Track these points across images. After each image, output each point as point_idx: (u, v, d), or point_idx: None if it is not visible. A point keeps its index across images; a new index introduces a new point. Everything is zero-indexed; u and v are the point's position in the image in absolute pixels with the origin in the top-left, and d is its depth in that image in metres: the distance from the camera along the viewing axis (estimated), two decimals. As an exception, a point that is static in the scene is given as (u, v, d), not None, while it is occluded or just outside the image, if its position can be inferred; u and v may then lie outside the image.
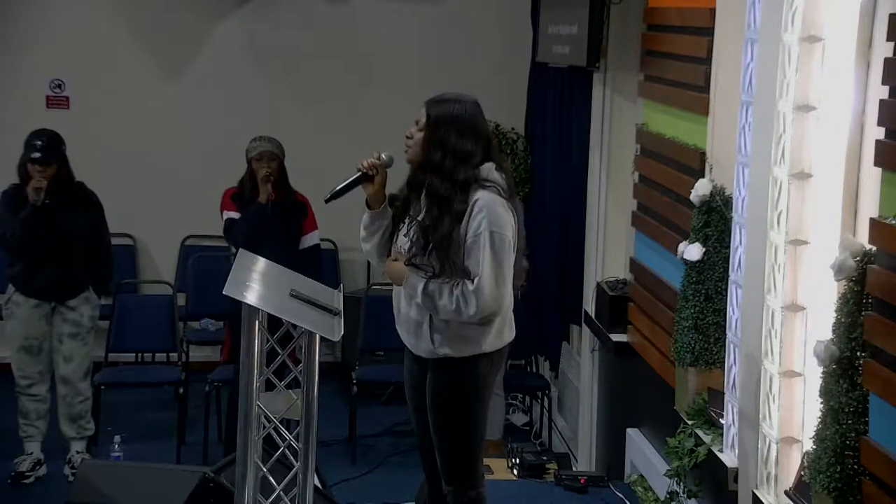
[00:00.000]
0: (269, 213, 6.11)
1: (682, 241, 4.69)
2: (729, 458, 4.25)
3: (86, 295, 6.23)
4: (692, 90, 4.81)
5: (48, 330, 6.21)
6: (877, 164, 3.18)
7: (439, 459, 4.22)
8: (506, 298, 4.02)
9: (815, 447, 3.33)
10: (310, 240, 6.31)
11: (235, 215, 6.16)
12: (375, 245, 4.21)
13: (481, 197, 3.96)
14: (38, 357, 6.21)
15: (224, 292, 3.14)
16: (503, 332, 4.13)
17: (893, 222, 3.05)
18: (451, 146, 3.98)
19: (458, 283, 3.95)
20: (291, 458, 3.26)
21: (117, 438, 5.95)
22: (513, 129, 7.92)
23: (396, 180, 4.22)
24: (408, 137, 4.07)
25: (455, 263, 3.96)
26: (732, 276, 4.24)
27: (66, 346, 6.21)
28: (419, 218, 4.05)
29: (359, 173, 4.11)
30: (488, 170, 4.02)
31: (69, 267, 6.13)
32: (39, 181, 5.93)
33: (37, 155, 5.95)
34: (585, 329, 6.48)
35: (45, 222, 5.98)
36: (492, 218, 3.94)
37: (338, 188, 4.10)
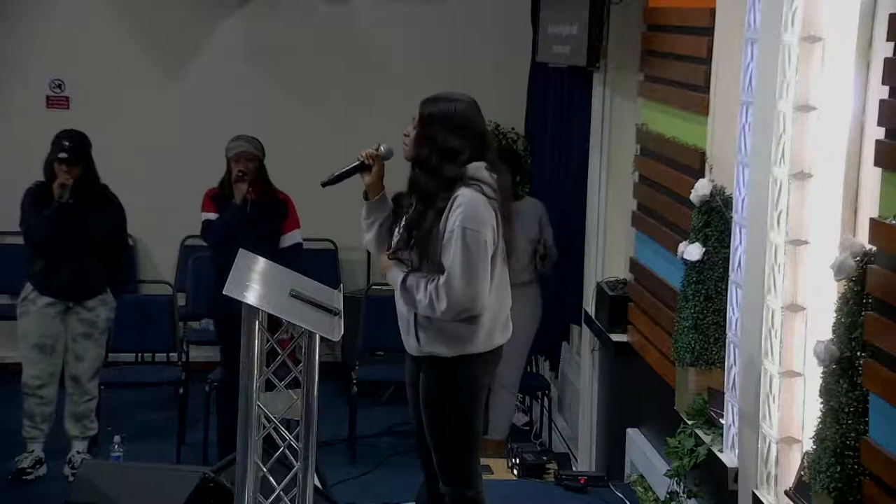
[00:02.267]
0: (246, 212, 6.08)
1: (682, 241, 4.69)
2: (729, 458, 4.25)
3: (103, 297, 6.25)
4: (692, 90, 4.81)
5: (62, 330, 6.22)
6: (877, 164, 3.18)
7: (435, 459, 4.23)
8: (480, 297, 3.99)
9: (815, 447, 3.33)
10: (290, 239, 6.25)
11: (213, 216, 6.13)
12: (374, 237, 4.26)
13: (462, 194, 3.99)
14: (50, 357, 6.22)
15: (224, 292, 3.14)
16: (494, 334, 4.13)
17: (893, 222, 3.05)
18: (439, 143, 4.03)
19: (432, 279, 3.98)
20: (291, 458, 3.26)
21: (117, 438, 5.95)
22: (513, 129, 7.92)
23: (396, 179, 4.23)
24: (405, 136, 4.14)
25: (432, 259, 4.00)
26: (732, 276, 4.24)
27: (80, 346, 6.23)
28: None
29: (357, 162, 4.20)
30: (476, 168, 4.04)
31: (89, 267, 6.14)
32: (66, 178, 5.96)
33: (63, 155, 5.99)
34: (585, 329, 6.48)
35: (69, 222, 6.01)
36: (468, 214, 3.95)
37: (335, 174, 4.20)
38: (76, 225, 6.03)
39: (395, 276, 4.08)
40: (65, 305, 6.19)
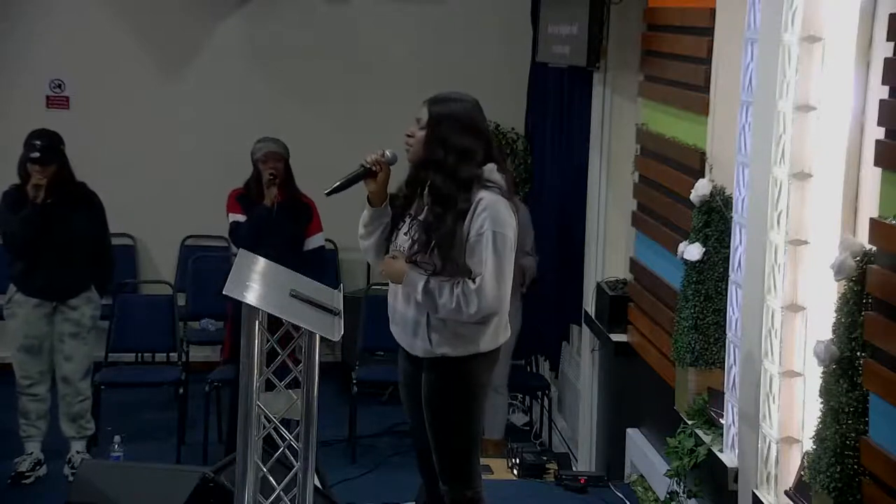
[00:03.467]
0: (273, 215, 6.11)
1: (682, 241, 4.69)
2: (729, 458, 4.25)
3: (87, 294, 6.24)
4: (692, 90, 4.81)
5: (49, 330, 6.21)
6: (877, 164, 3.18)
7: (436, 459, 4.22)
8: (507, 298, 4.03)
9: (815, 447, 3.33)
10: (314, 242, 6.31)
11: (241, 218, 6.16)
12: (374, 243, 4.22)
13: (485, 197, 3.97)
14: (38, 357, 6.22)
15: (224, 292, 3.14)
16: (498, 333, 4.13)
17: (893, 222, 3.05)
18: (453, 144, 3.99)
19: (458, 282, 3.95)
20: (291, 458, 3.25)
21: (117, 438, 5.95)
22: (513, 129, 7.92)
23: (398, 179, 4.22)
24: (409, 136, 4.08)
25: (457, 262, 3.97)
26: (732, 276, 4.25)
27: (67, 346, 6.21)
28: (421, 216, 4.06)
29: (362, 168, 4.11)
30: (490, 170, 4.04)
31: (70, 267, 6.13)
32: (39, 179, 5.96)
33: (36, 155, 5.98)
34: (585, 329, 6.48)
35: (46, 222, 5.99)
36: (495, 218, 3.95)
37: (340, 182, 4.09)
38: (54, 225, 6.02)
39: (415, 279, 4.00)
40: (51, 306, 6.18)
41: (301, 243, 6.24)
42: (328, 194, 4.12)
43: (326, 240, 8.05)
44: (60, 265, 6.10)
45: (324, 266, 6.30)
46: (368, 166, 4.10)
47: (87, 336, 6.28)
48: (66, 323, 6.20)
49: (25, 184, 6.02)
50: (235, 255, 6.05)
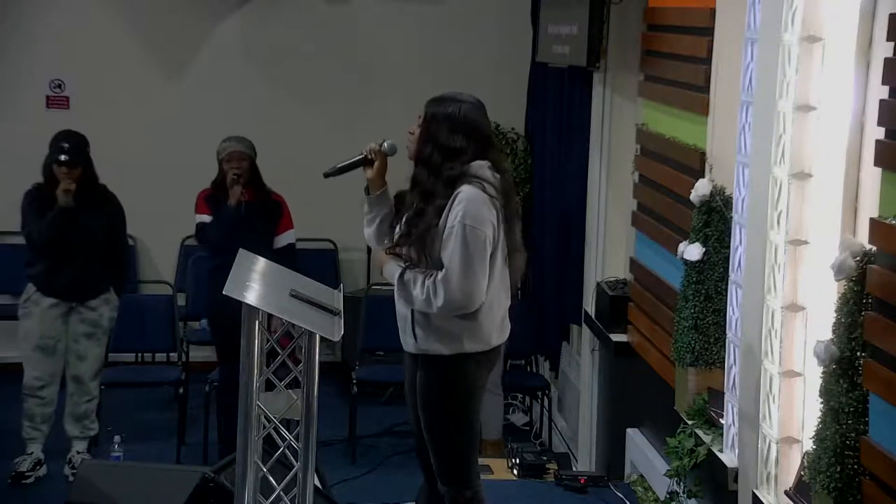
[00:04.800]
0: (241, 214, 6.09)
1: (682, 241, 4.69)
2: (729, 458, 4.25)
3: (106, 296, 6.25)
4: (692, 90, 4.81)
5: (64, 330, 6.21)
6: (877, 164, 3.18)
7: (433, 458, 4.23)
8: (477, 294, 3.98)
9: (815, 447, 3.33)
10: (284, 239, 6.28)
11: (207, 218, 6.15)
12: (374, 232, 4.28)
13: (463, 191, 4.00)
14: (52, 357, 6.21)
15: (224, 292, 3.14)
16: (490, 335, 4.11)
17: (893, 222, 3.05)
18: (441, 142, 4.05)
19: (430, 274, 3.99)
20: (291, 458, 3.25)
21: (117, 438, 5.96)
22: (513, 129, 7.92)
23: (402, 177, 4.24)
24: (410, 133, 4.16)
25: (431, 255, 4.02)
26: (732, 276, 4.25)
27: (82, 346, 6.22)
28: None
29: (360, 156, 4.23)
30: (479, 166, 4.05)
31: (91, 267, 6.14)
32: (69, 184, 5.95)
33: (64, 157, 5.97)
34: (585, 329, 6.48)
35: (70, 223, 6.00)
36: (469, 211, 3.96)
37: (337, 166, 4.24)
38: (77, 226, 6.03)
39: (393, 270, 4.09)
40: (68, 306, 6.19)
41: (272, 241, 6.20)
42: (326, 176, 4.25)
43: (326, 240, 8.10)
44: (82, 266, 6.11)
45: (295, 263, 6.21)
46: (365, 154, 4.21)
47: (102, 337, 6.31)
48: (82, 323, 6.21)
49: (49, 184, 6.02)
50: (209, 255, 6.06)
